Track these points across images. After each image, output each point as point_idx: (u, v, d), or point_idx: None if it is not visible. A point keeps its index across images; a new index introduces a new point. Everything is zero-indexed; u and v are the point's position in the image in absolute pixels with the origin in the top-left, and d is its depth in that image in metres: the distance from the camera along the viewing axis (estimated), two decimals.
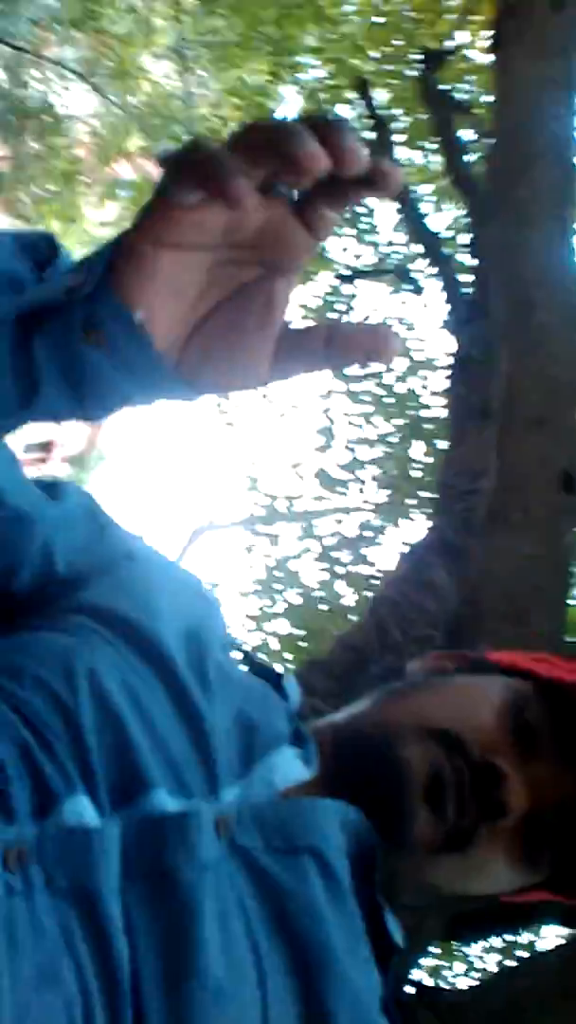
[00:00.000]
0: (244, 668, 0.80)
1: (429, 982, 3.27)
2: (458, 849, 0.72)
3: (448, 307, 3.72)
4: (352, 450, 4.44)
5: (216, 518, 6.38)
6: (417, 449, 4.20)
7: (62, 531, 0.76)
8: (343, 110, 5.44)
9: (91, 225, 10.71)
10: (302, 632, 4.17)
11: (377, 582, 3.82)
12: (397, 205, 4.20)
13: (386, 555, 4.14)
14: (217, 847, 0.63)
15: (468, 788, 0.72)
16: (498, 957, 3.81)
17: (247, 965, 0.61)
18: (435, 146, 4.49)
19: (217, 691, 0.70)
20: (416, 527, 4.04)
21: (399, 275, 4.38)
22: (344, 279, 4.62)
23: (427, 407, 4.39)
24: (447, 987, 3.06)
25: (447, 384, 3.33)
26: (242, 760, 0.69)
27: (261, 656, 0.90)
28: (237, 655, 0.81)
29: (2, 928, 0.54)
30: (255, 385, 0.55)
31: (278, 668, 0.83)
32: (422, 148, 5.14)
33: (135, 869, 0.59)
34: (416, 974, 2.27)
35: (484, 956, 3.97)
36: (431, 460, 4.00)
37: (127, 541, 0.81)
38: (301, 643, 4.17)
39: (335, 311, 4.88)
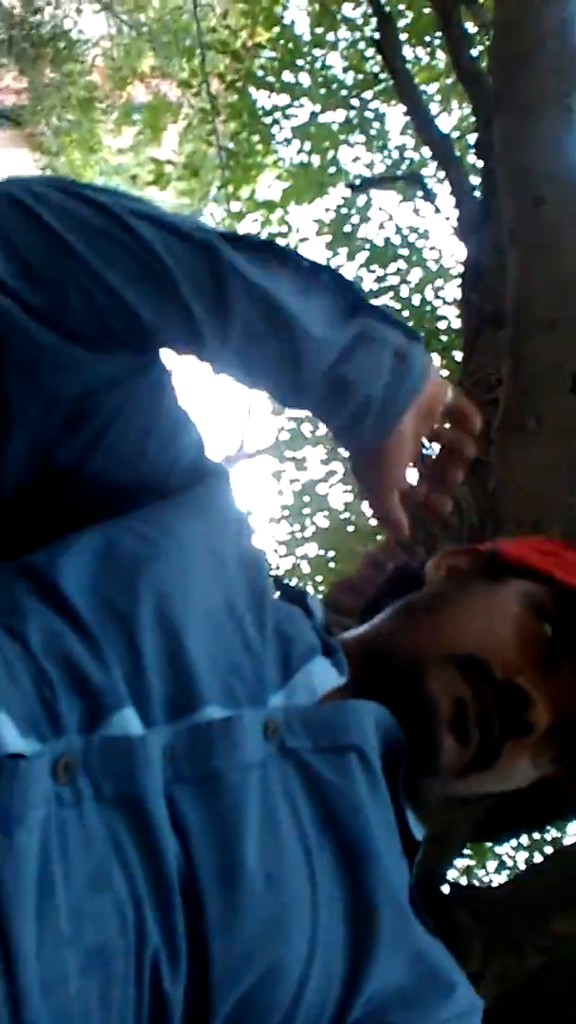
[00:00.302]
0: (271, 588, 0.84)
1: (463, 882, 3.33)
2: (485, 767, 0.75)
3: (458, 212, 3.59)
4: None
5: (244, 446, 6.36)
6: (434, 362, 4.10)
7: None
8: (348, 8, 5.22)
9: (110, 153, 10.53)
10: (331, 554, 4.16)
11: None
12: (404, 108, 4.04)
13: (409, 473, 4.07)
14: (264, 749, 0.66)
15: (493, 711, 0.74)
16: (526, 855, 3.86)
17: (298, 861, 0.64)
18: (440, 42, 4.29)
19: (261, 608, 0.75)
20: None
21: (411, 182, 4.22)
22: (356, 188, 4.47)
23: (443, 318, 4.28)
24: (479, 885, 3.11)
25: (460, 293, 3.23)
26: (282, 670, 0.72)
27: (285, 579, 0.94)
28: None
29: (55, 838, 0.56)
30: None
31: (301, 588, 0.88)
32: (428, 44, 4.92)
33: (185, 773, 0.62)
34: (450, 875, 2.29)
35: (515, 855, 4.02)
36: (447, 373, 3.90)
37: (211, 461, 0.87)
38: (331, 564, 4.17)
39: (349, 222, 4.75)
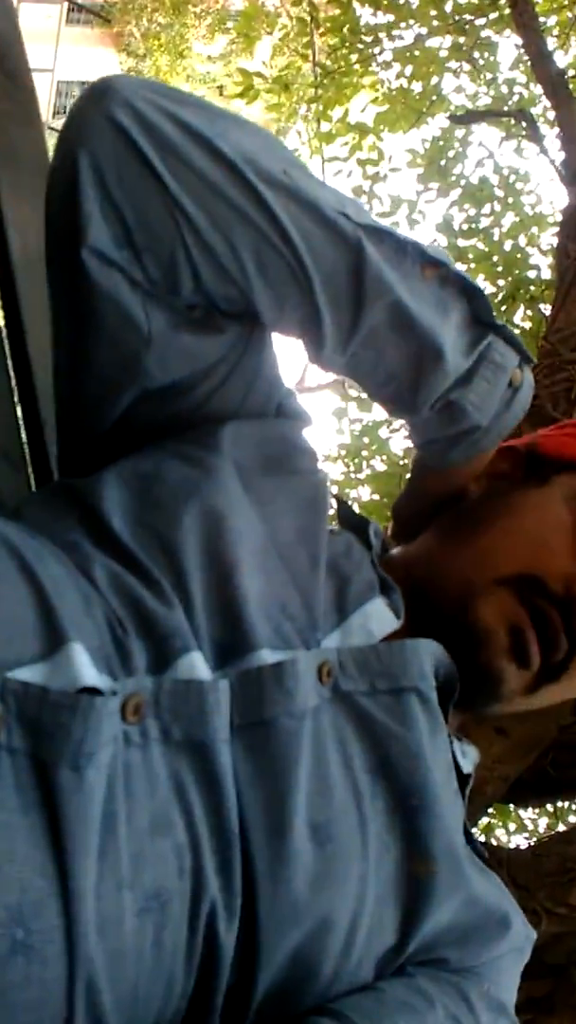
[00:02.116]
0: (332, 513, 0.82)
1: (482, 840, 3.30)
2: (552, 680, 0.74)
3: (565, 155, 3.38)
4: None
5: (306, 379, 6.20)
6: (520, 314, 3.91)
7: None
8: None
9: (199, 60, 10.24)
10: (385, 500, 4.04)
11: None
12: (519, 39, 3.79)
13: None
14: (318, 693, 0.64)
15: (557, 628, 0.72)
16: (547, 822, 3.81)
17: (348, 811, 0.63)
18: None
19: (315, 542, 0.72)
20: None
21: (518, 118, 3.98)
22: (458, 120, 4.23)
23: (535, 267, 4.06)
24: (498, 845, 3.08)
25: (557, 242, 3.04)
26: (337, 609, 0.71)
27: (349, 504, 0.88)
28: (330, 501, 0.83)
29: (120, 778, 0.55)
30: None
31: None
32: None
33: (237, 721, 0.61)
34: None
35: (537, 820, 3.98)
36: (529, 326, 3.71)
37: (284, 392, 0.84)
38: (386, 511, 4.05)
39: (445, 156, 4.53)
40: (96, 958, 0.52)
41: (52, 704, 0.54)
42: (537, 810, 3.75)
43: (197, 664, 0.61)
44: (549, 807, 3.79)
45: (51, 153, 0.69)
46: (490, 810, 3.16)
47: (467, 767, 0.75)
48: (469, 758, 0.76)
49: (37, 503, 0.76)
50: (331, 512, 0.83)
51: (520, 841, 3.83)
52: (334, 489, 4.55)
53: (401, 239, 0.70)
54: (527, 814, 3.79)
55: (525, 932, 0.73)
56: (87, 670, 0.56)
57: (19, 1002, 0.50)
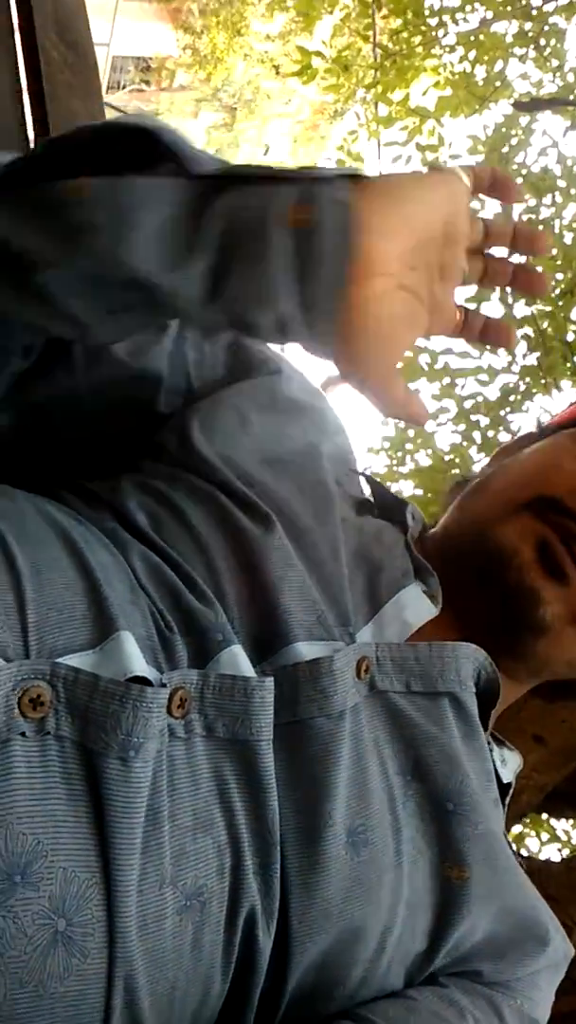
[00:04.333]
0: (367, 494, 0.81)
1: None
2: None
3: None
4: (509, 305, 4.07)
5: None
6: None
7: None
8: None
9: (257, 38, 10.15)
10: (429, 496, 3.97)
11: None
12: None
13: (528, 423, 3.86)
14: (356, 690, 0.63)
15: None
16: None
17: (383, 814, 0.61)
18: None
19: (340, 533, 0.70)
20: (564, 396, 3.72)
21: None
22: (522, 107, 4.12)
23: None
24: (530, 855, 3.04)
25: None
26: (369, 599, 0.68)
27: (385, 485, 0.84)
28: (362, 480, 0.82)
29: (165, 772, 0.54)
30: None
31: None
32: None
33: (275, 719, 0.59)
34: None
35: (571, 832, 3.92)
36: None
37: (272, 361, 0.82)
38: (428, 507, 3.98)
39: (508, 143, 4.42)
40: (135, 955, 0.51)
41: (103, 692, 0.52)
42: (571, 821, 3.69)
43: (239, 658, 0.60)
44: None
45: None
46: (524, 819, 3.11)
47: (507, 776, 0.73)
48: (510, 766, 0.74)
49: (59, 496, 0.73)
50: (363, 492, 0.82)
51: (552, 852, 3.78)
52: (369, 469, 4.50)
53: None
54: (561, 824, 3.73)
55: (564, 949, 0.71)
56: (137, 660, 0.55)
57: (58, 994, 0.49)
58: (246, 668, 0.59)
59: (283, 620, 0.63)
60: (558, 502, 0.71)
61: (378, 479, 0.86)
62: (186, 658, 0.59)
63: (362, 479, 0.83)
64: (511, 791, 0.74)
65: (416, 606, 0.69)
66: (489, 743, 0.71)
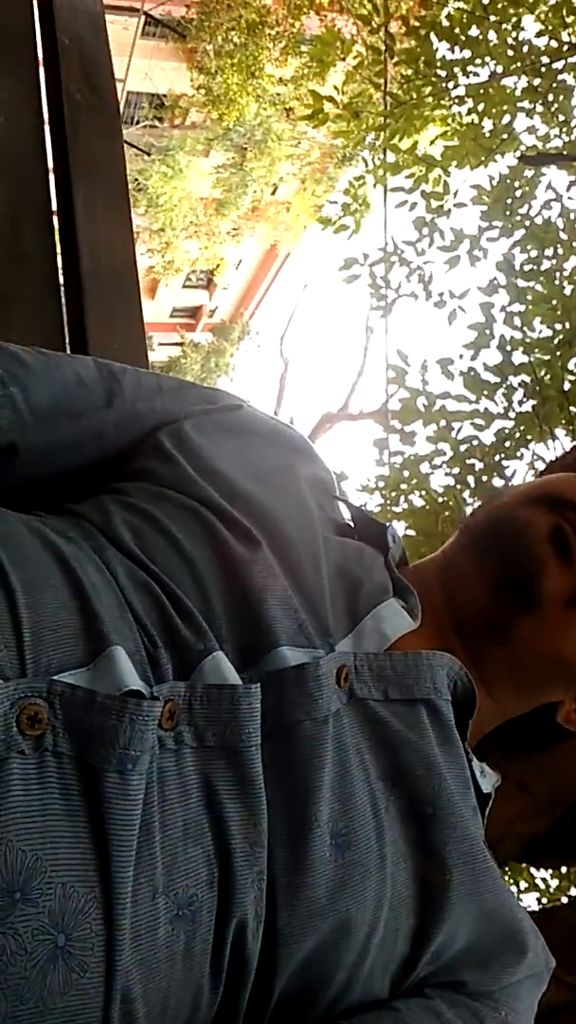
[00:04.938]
0: (348, 518, 0.84)
1: None
2: None
3: None
4: (507, 352, 4.11)
5: (349, 406, 6.15)
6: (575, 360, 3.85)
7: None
8: None
9: (270, 81, 10.29)
10: (421, 537, 3.98)
11: None
12: None
13: (522, 469, 3.87)
14: (339, 697, 0.64)
15: None
16: (557, 883, 3.72)
17: (366, 818, 0.62)
18: None
19: (321, 548, 0.72)
20: (559, 445, 3.73)
21: None
22: (527, 161, 4.19)
23: None
24: None
25: None
26: (349, 614, 0.70)
27: (366, 509, 0.87)
28: (342, 506, 0.85)
29: (156, 784, 0.55)
30: None
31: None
32: None
33: (262, 725, 0.60)
34: None
35: (550, 882, 3.88)
36: None
37: (223, 398, 0.87)
38: (420, 548, 3.99)
39: (512, 195, 4.48)
40: (131, 967, 0.52)
41: (99, 707, 0.54)
42: (550, 871, 3.66)
43: (223, 666, 0.61)
44: (563, 869, 3.70)
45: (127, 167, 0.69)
46: (504, 867, 3.08)
47: (487, 787, 0.74)
48: (489, 779, 0.75)
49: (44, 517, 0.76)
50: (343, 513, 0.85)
51: (531, 901, 3.74)
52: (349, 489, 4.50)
53: None
54: (540, 873, 3.69)
55: (544, 958, 0.72)
56: (130, 675, 0.56)
57: (58, 1009, 0.50)
58: (230, 675, 0.60)
59: (268, 626, 0.64)
60: (568, 501, 0.75)
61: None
62: (171, 670, 0.60)
63: (343, 505, 0.85)
64: (491, 802, 0.75)
65: (394, 620, 0.71)
66: (468, 754, 0.72)
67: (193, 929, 0.55)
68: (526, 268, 4.26)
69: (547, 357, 3.94)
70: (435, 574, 0.79)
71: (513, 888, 3.84)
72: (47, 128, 1.29)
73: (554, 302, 4.02)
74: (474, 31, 5.09)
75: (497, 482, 3.85)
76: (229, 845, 0.57)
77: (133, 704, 0.54)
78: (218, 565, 0.67)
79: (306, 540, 0.72)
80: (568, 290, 4.10)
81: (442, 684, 0.70)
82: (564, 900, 3.77)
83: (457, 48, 5.05)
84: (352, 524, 0.84)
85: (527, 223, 4.47)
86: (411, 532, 4.02)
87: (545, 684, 0.79)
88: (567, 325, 3.90)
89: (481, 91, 5.00)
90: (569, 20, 4.73)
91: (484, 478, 3.90)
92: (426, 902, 0.64)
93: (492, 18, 5.02)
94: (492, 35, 4.99)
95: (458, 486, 4.02)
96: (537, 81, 4.82)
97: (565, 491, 0.77)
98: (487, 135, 4.93)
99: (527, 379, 3.89)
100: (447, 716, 0.70)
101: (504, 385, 3.98)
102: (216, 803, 0.57)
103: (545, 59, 4.78)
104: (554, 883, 3.86)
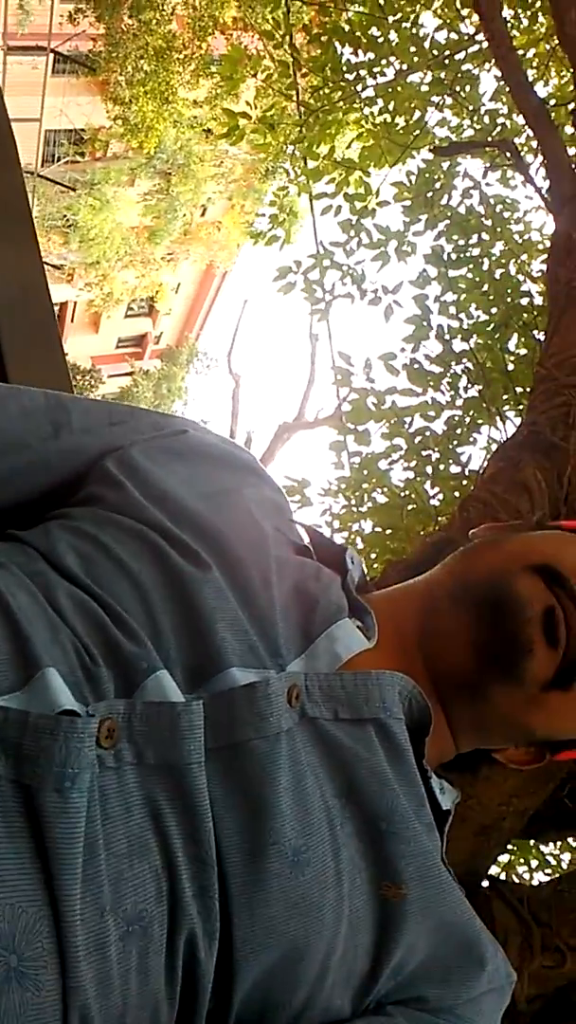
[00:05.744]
0: (305, 541, 0.84)
1: (502, 878, 3.25)
2: (565, 685, 0.74)
3: (550, 183, 3.41)
4: (447, 341, 4.18)
5: (304, 414, 6.21)
6: (514, 341, 3.92)
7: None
8: None
9: (185, 105, 10.34)
10: (388, 532, 4.02)
11: (466, 482, 3.62)
12: (499, 72, 3.83)
13: (477, 454, 3.94)
14: (290, 716, 0.64)
15: (572, 622, 0.74)
16: (569, 856, 3.75)
17: (322, 834, 0.63)
18: (542, 3, 4.07)
19: (272, 568, 0.72)
20: (509, 425, 3.80)
21: (502, 149, 4.01)
22: (442, 152, 4.26)
23: (526, 294, 4.08)
24: (520, 882, 3.03)
25: (546, 268, 3.05)
26: (304, 633, 0.71)
27: (323, 531, 0.89)
28: (299, 528, 0.85)
29: (98, 802, 0.56)
30: None
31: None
32: (529, 6, 4.67)
33: (211, 743, 0.60)
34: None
35: (560, 855, 3.91)
36: (524, 352, 3.72)
37: (173, 423, 0.87)
38: (388, 543, 4.03)
39: (431, 188, 4.55)
40: (86, 983, 0.52)
41: (33, 728, 0.55)
42: (559, 845, 3.69)
43: (165, 684, 0.61)
44: (572, 841, 3.73)
45: (31, 198, 0.71)
46: (510, 846, 3.11)
47: (446, 803, 0.75)
48: (448, 795, 0.76)
49: None
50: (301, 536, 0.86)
51: (543, 878, 3.77)
52: (338, 523, 4.54)
53: None
54: (550, 850, 3.72)
55: (505, 971, 0.72)
56: (64, 694, 0.57)
57: None
58: (173, 693, 0.61)
59: (218, 648, 0.65)
60: (565, 579, 0.75)
61: (338, 519, 0.92)
62: (112, 689, 0.61)
63: (300, 527, 0.86)
64: (450, 819, 0.75)
65: (347, 640, 0.72)
66: (427, 771, 0.73)
67: (145, 945, 0.56)
68: (454, 257, 4.33)
69: (486, 341, 4.01)
70: (415, 603, 0.80)
71: (524, 868, 3.88)
72: None
73: (485, 287, 4.09)
74: (375, 32, 5.17)
75: (454, 469, 3.91)
76: (174, 862, 0.57)
77: (67, 722, 0.55)
78: (167, 588, 0.67)
79: (257, 561, 0.72)
80: (497, 274, 4.17)
81: (392, 703, 0.70)
82: None
83: (361, 51, 5.12)
84: (311, 547, 0.84)
85: (449, 213, 4.53)
86: (378, 528, 4.06)
87: (502, 739, 0.82)
88: (501, 308, 3.97)
89: (389, 90, 5.07)
90: (464, 12, 4.82)
91: (441, 466, 3.96)
92: (384, 917, 0.65)
93: (391, 18, 5.10)
94: (393, 35, 5.07)
95: (418, 478, 4.07)
96: (443, 74, 4.90)
97: (565, 564, 0.76)
98: (400, 132, 4.99)
99: (470, 365, 3.95)
100: (398, 734, 0.70)
101: (448, 374, 4.04)
102: (160, 820, 0.58)
103: (447, 52, 4.86)
104: (565, 857, 3.89)
